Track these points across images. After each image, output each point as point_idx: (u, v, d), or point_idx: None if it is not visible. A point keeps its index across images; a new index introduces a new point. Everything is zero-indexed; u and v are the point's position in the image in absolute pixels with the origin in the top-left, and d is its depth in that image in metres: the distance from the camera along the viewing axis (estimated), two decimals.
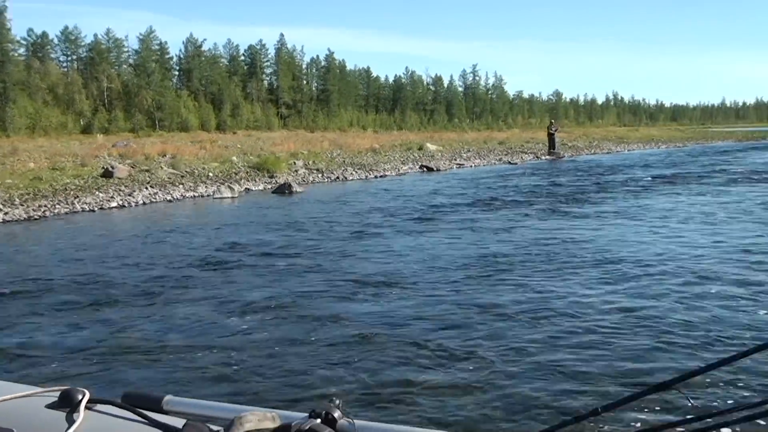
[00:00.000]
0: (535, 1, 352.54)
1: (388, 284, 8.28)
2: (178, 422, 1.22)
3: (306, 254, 10.52)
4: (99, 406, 1.31)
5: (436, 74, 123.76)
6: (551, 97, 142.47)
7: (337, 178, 25.75)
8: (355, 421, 1.35)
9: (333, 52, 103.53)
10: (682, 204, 15.59)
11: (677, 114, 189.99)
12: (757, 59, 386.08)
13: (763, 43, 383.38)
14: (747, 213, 13.69)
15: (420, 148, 37.57)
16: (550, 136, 39.89)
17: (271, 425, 1.24)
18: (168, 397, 1.36)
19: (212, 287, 8.42)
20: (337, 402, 1.37)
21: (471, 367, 5.36)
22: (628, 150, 46.26)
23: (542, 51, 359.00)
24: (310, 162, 28.10)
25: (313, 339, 6.21)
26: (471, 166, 32.53)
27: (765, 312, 6.64)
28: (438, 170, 30.01)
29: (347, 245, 11.24)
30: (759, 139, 61.05)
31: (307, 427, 1.22)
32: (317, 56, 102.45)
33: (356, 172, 27.30)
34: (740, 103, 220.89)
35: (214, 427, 1.21)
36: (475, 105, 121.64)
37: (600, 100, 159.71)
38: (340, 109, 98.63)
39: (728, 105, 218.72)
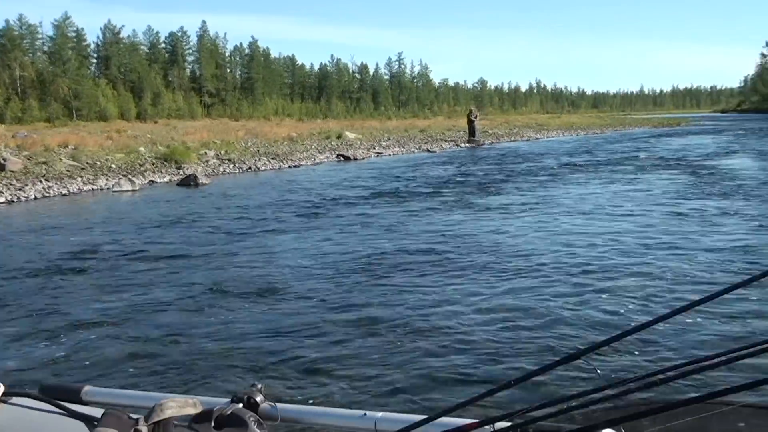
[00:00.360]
0: None
1: (250, 293, 7.46)
2: (98, 412, 1.22)
3: (173, 257, 9.59)
4: (15, 399, 1.31)
5: (362, 62, 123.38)
6: (476, 84, 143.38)
7: (249, 168, 24.89)
8: (277, 404, 1.40)
9: (257, 40, 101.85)
10: (588, 194, 15.36)
11: (598, 101, 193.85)
12: (673, 48, 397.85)
13: (678, 33, 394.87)
14: (651, 203, 13.51)
15: (339, 137, 36.90)
16: (471, 124, 39.72)
17: (193, 411, 1.25)
18: (87, 388, 1.38)
19: (40, 299, 7.33)
20: (259, 386, 1.39)
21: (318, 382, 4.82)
22: (548, 137, 46.48)
23: (467, 39, 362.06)
24: (223, 152, 27.13)
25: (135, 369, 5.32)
26: (389, 155, 32.03)
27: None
28: (355, 159, 29.42)
29: (227, 245, 10.42)
30: (673, 126, 62.36)
31: (228, 412, 1.23)
32: (241, 44, 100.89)
33: (270, 161, 26.48)
34: (657, 91, 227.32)
35: (134, 416, 1.20)
36: (401, 93, 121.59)
37: (524, 88, 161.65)
38: (265, 98, 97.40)
39: (646, 92, 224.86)
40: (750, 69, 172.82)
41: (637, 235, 10.00)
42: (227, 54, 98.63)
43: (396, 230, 11.27)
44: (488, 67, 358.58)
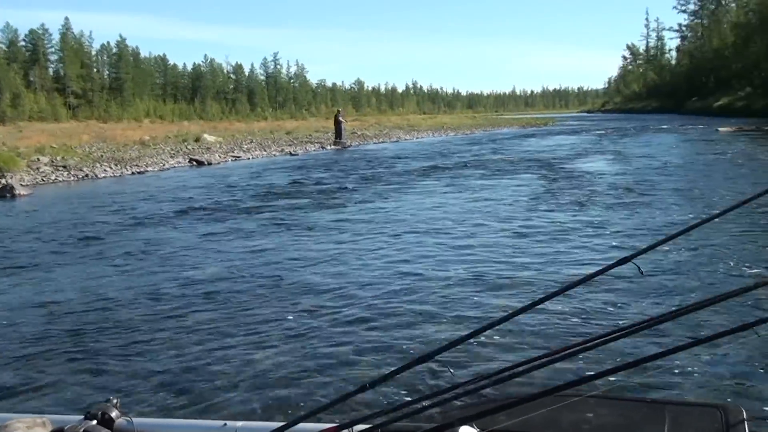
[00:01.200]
0: None
1: None
2: None
3: None
4: None
5: (237, 62, 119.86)
6: (353, 85, 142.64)
7: (86, 176, 22.57)
8: (133, 419, 1.37)
9: (125, 39, 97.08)
10: (432, 205, 14.14)
11: (473, 102, 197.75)
12: (542, 51, 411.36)
13: (546, 37, 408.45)
14: (496, 216, 12.49)
15: (197, 140, 34.75)
16: (337, 125, 38.40)
17: (42, 431, 1.20)
18: None
19: None
20: (115, 401, 1.37)
21: None
22: (417, 138, 45.76)
23: (345, 40, 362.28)
24: (59, 158, 24.63)
25: None
26: (248, 159, 30.27)
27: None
28: (209, 164, 27.50)
29: None
30: (540, 126, 63.17)
31: (81, 430, 1.20)
32: (108, 43, 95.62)
33: (111, 168, 24.17)
34: (529, 92, 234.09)
35: None
36: (278, 94, 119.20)
37: (400, 89, 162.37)
38: (135, 99, 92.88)
39: (518, 93, 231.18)
40: (613, 71, 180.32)
41: (471, 255, 8.84)
42: (93, 53, 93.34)
43: (176, 261, 9.19)
44: (366, 68, 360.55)
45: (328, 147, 36.46)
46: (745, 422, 1.56)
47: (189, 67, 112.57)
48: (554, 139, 39.24)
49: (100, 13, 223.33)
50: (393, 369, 1.43)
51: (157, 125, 53.73)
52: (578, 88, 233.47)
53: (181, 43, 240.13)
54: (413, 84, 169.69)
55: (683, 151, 26.61)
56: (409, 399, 1.80)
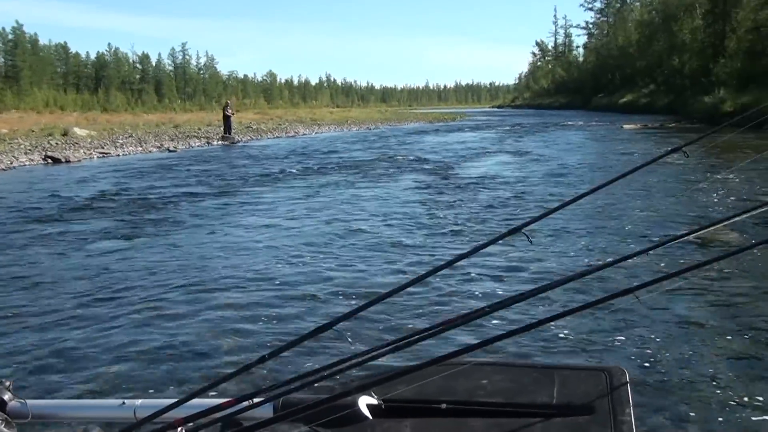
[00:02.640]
0: None
1: None
2: None
3: None
4: None
5: (143, 52, 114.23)
6: (266, 77, 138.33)
7: None
8: (27, 401, 1.36)
9: (22, 25, 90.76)
10: (282, 221, 11.46)
11: (387, 96, 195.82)
12: (455, 47, 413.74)
13: (459, 32, 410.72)
14: (350, 231, 9.79)
15: (65, 134, 30.88)
16: (226, 120, 34.97)
17: None
18: None
19: None
20: (7, 383, 1.34)
21: None
22: (316, 133, 42.73)
23: (256, 31, 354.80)
24: None
25: None
26: (119, 155, 26.70)
27: None
28: (68, 161, 23.84)
29: None
30: (448, 121, 61.00)
31: None
32: (3, 29, 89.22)
33: None
34: (442, 87, 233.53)
35: None
36: (187, 85, 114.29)
37: (314, 82, 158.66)
38: (33, 88, 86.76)
39: (432, 88, 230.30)
40: (524, 67, 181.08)
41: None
42: None
43: None
44: (279, 60, 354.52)
45: (215, 142, 33.12)
46: (628, 383, 1.61)
47: (92, 56, 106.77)
48: (456, 135, 36.92)
49: None
50: (291, 339, 1.44)
51: (28, 116, 48.76)
52: (490, 84, 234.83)
53: (83, 31, 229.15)
54: (327, 77, 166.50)
55: (587, 150, 24.53)
56: (307, 370, 1.45)
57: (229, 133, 34.67)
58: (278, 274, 7.36)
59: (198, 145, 31.76)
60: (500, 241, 1.78)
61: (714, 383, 4.21)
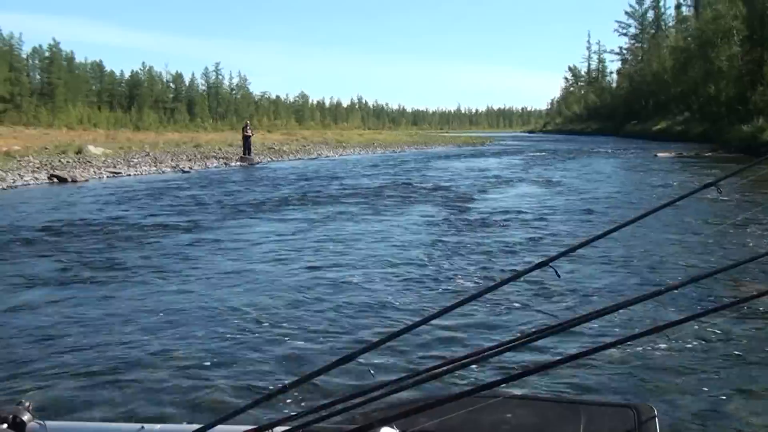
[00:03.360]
0: (280, 3, 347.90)
1: None
2: None
3: None
4: None
5: (177, 71, 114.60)
6: (297, 98, 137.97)
7: None
8: (46, 422, 1.34)
9: (59, 43, 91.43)
10: (275, 247, 10.10)
11: (418, 119, 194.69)
12: (488, 71, 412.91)
13: (492, 57, 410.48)
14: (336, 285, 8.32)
15: (79, 152, 29.94)
16: (246, 140, 33.88)
17: None
18: None
19: None
20: (27, 404, 1.33)
21: None
22: (340, 155, 41.45)
23: (289, 52, 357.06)
24: None
25: None
26: (131, 175, 25.61)
27: None
28: (74, 181, 22.78)
29: None
30: (477, 145, 59.51)
31: None
32: (40, 46, 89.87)
33: None
34: (473, 110, 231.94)
35: None
36: (219, 105, 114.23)
37: (345, 103, 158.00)
38: (68, 105, 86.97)
39: (463, 111, 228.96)
40: (556, 92, 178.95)
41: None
42: (24, 56, 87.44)
43: None
44: (311, 81, 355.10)
45: (233, 163, 32.00)
46: (656, 421, 1.57)
47: (126, 75, 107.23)
48: (482, 161, 35.38)
49: (32, 14, 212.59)
50: (314, 370, 1.41)
51: (56, 132, 48.03)
52: (522, 108, 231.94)
53: (118, 49, 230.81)
54: (358, 99, 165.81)
55: (619, 181, 22.87)
56: (329, 400, 1.41)
57: (249, 154, 33.56)
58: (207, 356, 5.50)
59: (215, 166, 30.63)
60: (527, 275, 1.76)
61: (749, 427, 3.99)
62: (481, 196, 17.51)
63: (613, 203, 15.81)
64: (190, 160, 31.61)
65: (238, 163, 32.09)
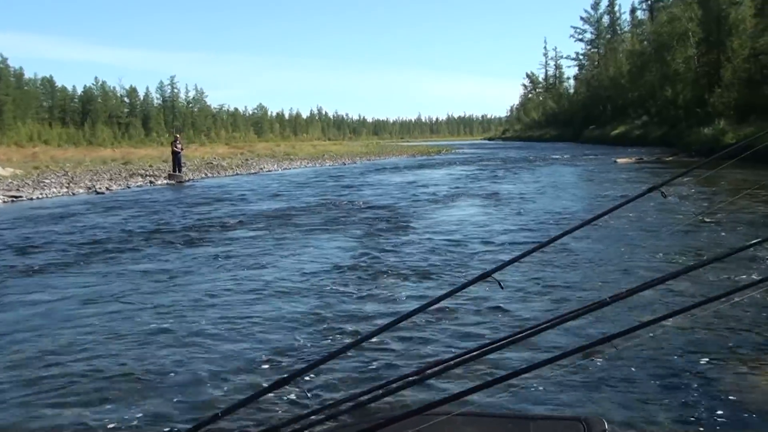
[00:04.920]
0: (236, 16, 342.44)
1: None
2: None
3: None
4: None
5: (131, 86, 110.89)
6: (256, 110, 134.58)
7: None
8: None
9: (6, 58, 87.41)
10: (148, 295, 7.13)
11: (379, 128, 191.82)
12: (447, 79, 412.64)
13: (451, 66, 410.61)
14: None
15: None
16: (175, 155, 30.68)
17: None
18: None
19: None
20: None
21: None
22: (284, 169, 38.36)
23: (247, 65, 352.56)
24: None
25: None
26: (32, 198, 22.34)
27: None
28: None
29: None
30: (433, 155, 56.76)
31: None
32: None
33: None
34: (434, 119, 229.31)
35: None
36: (175, 119, 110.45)
37: (305, 115, 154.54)
38: (17, 122, 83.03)
39: (424, 120, 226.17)
40: (516, 99, 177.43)
41: None
42: None
43: None
44: (270, 93, 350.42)
45: (159, 182, 28.80)
46: None
47: (79, 90, 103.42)
48: (433, 172, 32.62)
49: None
50: (247, 395, 1.33)
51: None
52: (482, 116, 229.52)
53: (70, 64, 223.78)
54: (318, 110, 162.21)
55: (577, 192, 20.19)
56: (267, 426, 1.44)
57: (179, 171, 30.38)
58: None
59: (138, 185, 27.38)
60: (469, 288, 1.72)
61: None
62: (420, 214, 14.67)
63: (562, 222, 13.02)
64: (111, 179, 28.34)
65: (165, 182, 28.90)
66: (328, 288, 7.93)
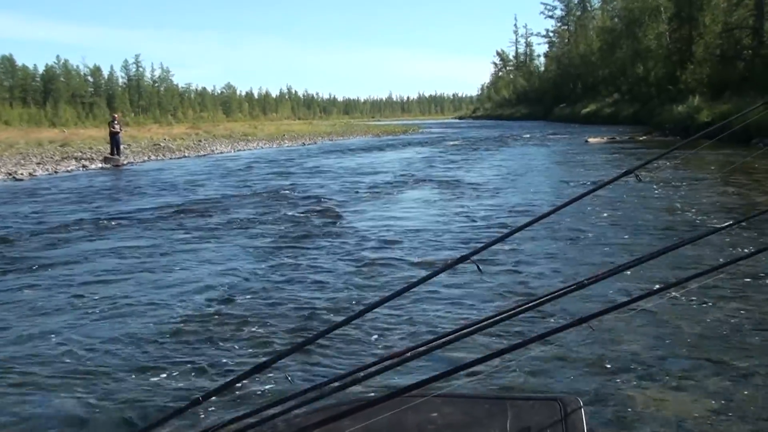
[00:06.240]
0: None
1: None
2: None
3: None
4: None
5: (95, 64, 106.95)
6: (224, 90, 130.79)
7: None
8: None
9: None
10: None
11: (350, 108, 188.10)
12: (418, 57, 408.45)
13: (422, 44, 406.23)
14: None
15: None
16: (113, 137, 27.78)
17: None
18: None
19: None
20: None
21: None
22: (237, 151, 35.49)
23: (215, 43, 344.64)
24: None
25: None
26: None
27: None
28: None
29: None
30: (399, 134, 54.09)
31: None
32: None
33: None
34: (405, 98, 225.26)
35: None
36: (141, 98, 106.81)
37: (274, 94, 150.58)
38: None
39: (395, 99, 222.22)
40: (487, 78, 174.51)
41: None
42: None
43: None
44: (238, 72, 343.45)
45: (94, 165, 25.96)
46: (582, 411, 1.54)
47: (41, 69, 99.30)
48: (394, 154, 30.07)
49: None
50: (228, 379, 1.32)
51: None
52: (453, 95, 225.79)
53: (30, 43, 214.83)
54: (288, 89, 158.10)
55: (541, 178, 17.78)
56: (247, 410, 1.35)
57: (117, 154, 27.53)
58: None
59: (69, 170, 24.50)
60: (447, 271, 1.72)
61: (674, 413, 3.82)
62: (354, 211, 12.10)
63: (527, 214, 10.60)
64: (40, 163, 25.42)
65: (100, 165, 26.08)
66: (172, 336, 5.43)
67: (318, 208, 12.48)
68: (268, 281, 7.04)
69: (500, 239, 1.90)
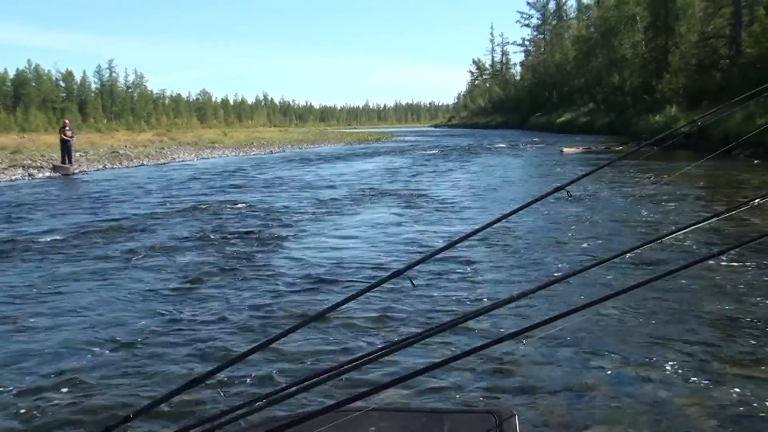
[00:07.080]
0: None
1: None
2: None
3: None
4: None
5: (67, 69, 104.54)
6: (199, 96, 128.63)
7: None
8: None
9: None
10: None
11: (326, 115, 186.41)
12: (395, 65, 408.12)
13: (399, 52, 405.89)
14: None
15: None
16: (64, 143, 26.00)
17: None
18: None
19: None
20: None
21: None
22: (199, 159, 33.76)
23: (190, 50, 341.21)
24: None
25: None
26: None
27: None
28: None
29: None
30: (371, 142, 52.59)
31: None
32: None
33: None
34: (382, 106, 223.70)
35: None
36: (114, 104, 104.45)
37: (250, 101, 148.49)
38: None
39: (371, 107, 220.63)
40: (463, 86, 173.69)
41: None
42: None
43: None
44: (214, 79, 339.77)
45: (41, 174, 24.18)
46: (516, 423, 1.54)
47: (11, 73, 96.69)
48: (362, 163, 28.56)
49: None
50: (159, 397, 1.26)
51: None
52: (430, 103, 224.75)
53: (1, 46, 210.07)
54: (264, 96, 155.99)
55: (512, 192, 16.39)
56: (178, 426, 1.30)
57: (69, 162, 25.77)
58: None
59: (13, 179, 22.74)
60: (380, 287, 1.66)
61: (607, 425, 3.75)
62: (294, 235, 10.55)
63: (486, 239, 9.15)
64: None
65: (48, 174, 24.30)
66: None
67: (254, 230, 10.88)
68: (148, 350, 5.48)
69: (433, 254, 1.86)
